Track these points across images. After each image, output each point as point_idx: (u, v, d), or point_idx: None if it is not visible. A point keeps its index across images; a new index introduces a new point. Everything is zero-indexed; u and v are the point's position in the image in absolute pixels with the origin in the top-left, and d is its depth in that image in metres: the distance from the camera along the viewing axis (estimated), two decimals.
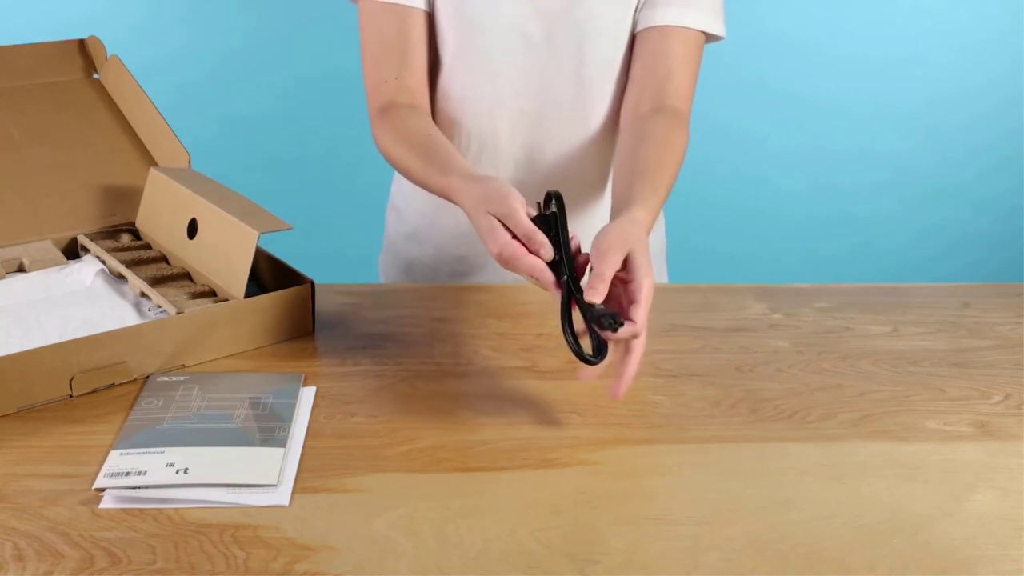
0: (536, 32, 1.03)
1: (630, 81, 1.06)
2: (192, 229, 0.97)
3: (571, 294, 0.77)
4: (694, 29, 1.02)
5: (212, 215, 0.94)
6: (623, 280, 0.79)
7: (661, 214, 1.22)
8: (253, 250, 0.88)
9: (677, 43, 1.02)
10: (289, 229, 0.89)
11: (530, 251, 0.78)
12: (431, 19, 1.05)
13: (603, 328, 0.73)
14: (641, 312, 0.76)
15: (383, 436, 0.77)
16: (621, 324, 0.74)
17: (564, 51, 1.04)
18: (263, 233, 0.88)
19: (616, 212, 0.87)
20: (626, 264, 0.78)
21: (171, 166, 1.08)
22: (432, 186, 0.92)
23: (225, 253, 0.92)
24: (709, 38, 1.05)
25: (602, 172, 1.12)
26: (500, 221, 0.79)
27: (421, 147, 0.96)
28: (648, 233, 0.85)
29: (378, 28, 1.03)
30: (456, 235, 1.15)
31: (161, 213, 1.02)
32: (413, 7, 1.02)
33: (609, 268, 0.76)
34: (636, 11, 1.04)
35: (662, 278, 1.24)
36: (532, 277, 0.78)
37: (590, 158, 1.10)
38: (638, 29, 1.04)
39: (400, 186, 1.21)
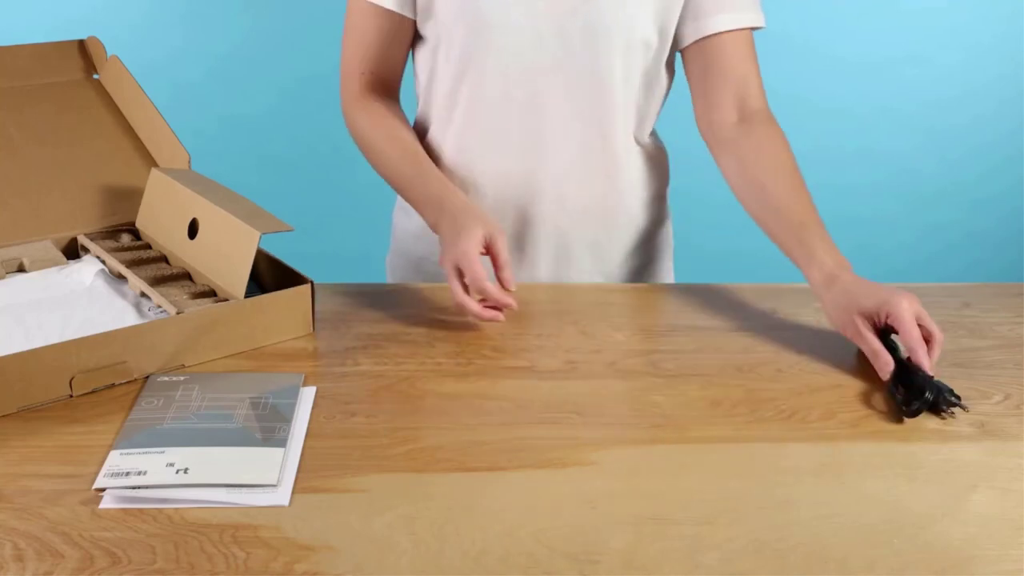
0: (548, 31, 1.02)
1: (702, 95, 1.08)
2: (192, 229, 0.97)
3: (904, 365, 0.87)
4: (747, 28, 1.05)
5: (213, 215, 0.94)
6: (880, 322, 0.88)
7: (669, 215, 1.23)
8: (254, 251, 0.88)
9: (739, 46, 1.05)
10: (290, 230, 0.89)
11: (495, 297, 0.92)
12: (415, 29, 1.09)
13: (945, 401, 0.83)
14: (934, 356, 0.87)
15: (383, 436, 0.77)
16: (959, 404, 0.84)
17: (577, 52, 1.03)
18: (264, 234, 0.88)
19: (806, 264, 0.96)
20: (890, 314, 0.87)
21: (171, 166, 1.08)
22: (411, 191, 1.05)
23: (226, 253, 0.92)
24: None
25: (615, 172, 1.11)
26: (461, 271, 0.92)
27: (405, 149, 1.07)
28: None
29: (362, 27, 1.08)
30: None
31: (161, 213, 1.02)
32: (400, 14, 1.06)
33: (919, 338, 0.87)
34: (674, 24, 1.05)
35: (668, 278, 1.25)
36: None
37: (603, 159, 1.10)
38: (690, 41, 1.06)
39: None
